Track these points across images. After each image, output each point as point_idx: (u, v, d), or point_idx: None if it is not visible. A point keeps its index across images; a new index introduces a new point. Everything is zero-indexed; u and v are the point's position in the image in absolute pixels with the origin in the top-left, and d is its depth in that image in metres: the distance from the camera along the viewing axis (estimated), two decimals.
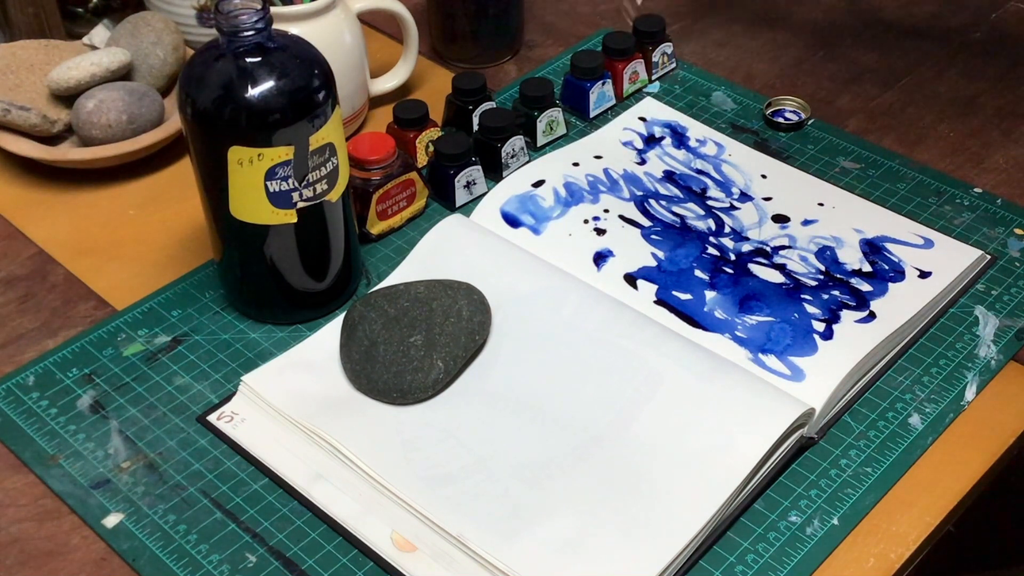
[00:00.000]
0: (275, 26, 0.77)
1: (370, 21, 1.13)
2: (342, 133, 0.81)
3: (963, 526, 0.78)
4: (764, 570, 0.70)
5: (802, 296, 0.85)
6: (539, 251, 0.88)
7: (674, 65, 1.10)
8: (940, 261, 0.88)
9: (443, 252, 0.88)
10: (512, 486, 0.73)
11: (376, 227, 0.92)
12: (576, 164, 0.97)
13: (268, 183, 0.77)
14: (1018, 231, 0.92)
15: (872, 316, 0.83)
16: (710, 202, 0.94)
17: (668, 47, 1.08)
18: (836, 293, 0.85)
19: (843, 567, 0.71)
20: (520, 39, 1.13)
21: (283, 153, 0.76)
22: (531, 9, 1.18)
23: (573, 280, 0.85)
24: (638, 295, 0.85)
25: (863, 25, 1.16)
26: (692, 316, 0.84)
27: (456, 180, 0.94)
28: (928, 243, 0.89)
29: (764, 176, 0.96)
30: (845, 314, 0.83)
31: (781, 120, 1.03)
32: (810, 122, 1.03)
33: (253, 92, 0.75)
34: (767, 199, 0.94)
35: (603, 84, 1.03)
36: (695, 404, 0.76)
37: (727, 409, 0.75)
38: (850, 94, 1.07)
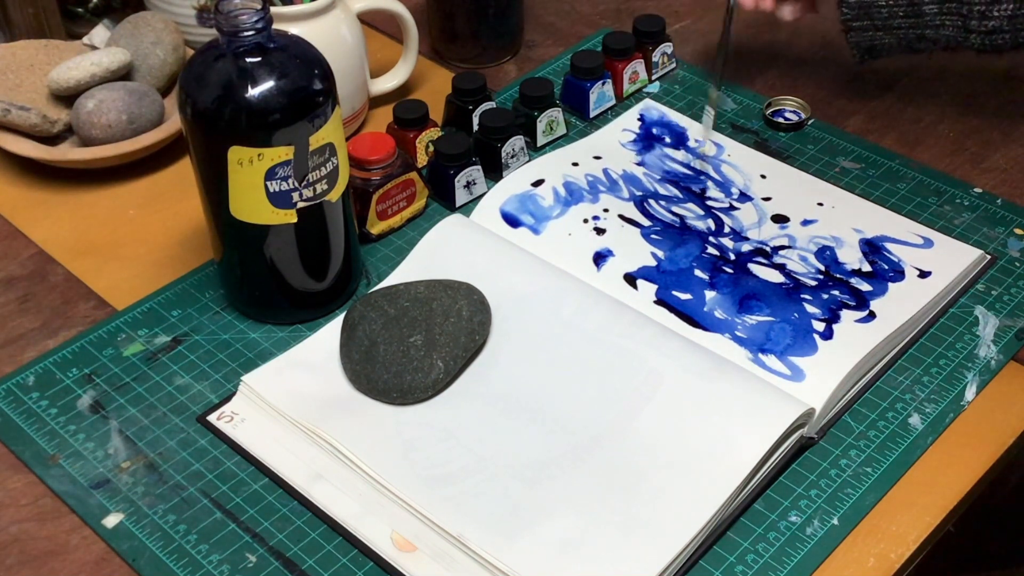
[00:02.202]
0: (275, 26, 0.77)
1: (370, 21, 1.13)
2: (342, 133, 0.81)
3: (963, 526, 0.78)
4: (764, 570, 0.70)
5: (802, 296, 0.85)
6: (539, 251, 0.88)
7: (674, 65, 1.10)
8: (940, 261, 0.88)
9: (443, 252, 0.88)
10: (512, 486, 0.73)
11: (376, 227, 0.92)
12: (576, 164, 0.97)
13: (268, 183, 0.77)
14: (1018, 231, 0.92)
15: (872, 316, 0.83)
16: (709, 202, 0.94)
17: (668, 47, 1.08)
18: (836, 293, 0.85)
19: (843, 567, 0.71)
20: (520, 39, 1.13)
21: (283, 153, 0.76)
22: (531, 9, 1.18)
23: (573, 280, 0.85)
24: (638, 295, 0.85)
25: None
26: (692, 316, 0.83)
27: (456, 180, 0.94)
28: (928, 243, 0.89)
29: (763, 176, 0.96)
30: (845, 314, 0.83)
31: (781, 120, 1.03)
32: (810, 122, 1.03)
33: (253, 92, 0.75)
34: (767, 199, 0.94)
35: (603, 84, 1.03)
36: (695, 404, 0.76)
37: (727, 409, 0.75)
38: (850, 94, 1.07)
